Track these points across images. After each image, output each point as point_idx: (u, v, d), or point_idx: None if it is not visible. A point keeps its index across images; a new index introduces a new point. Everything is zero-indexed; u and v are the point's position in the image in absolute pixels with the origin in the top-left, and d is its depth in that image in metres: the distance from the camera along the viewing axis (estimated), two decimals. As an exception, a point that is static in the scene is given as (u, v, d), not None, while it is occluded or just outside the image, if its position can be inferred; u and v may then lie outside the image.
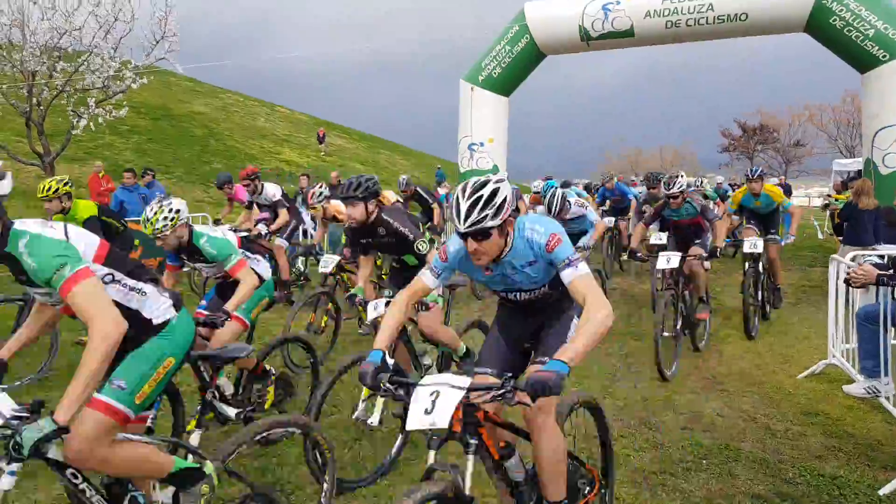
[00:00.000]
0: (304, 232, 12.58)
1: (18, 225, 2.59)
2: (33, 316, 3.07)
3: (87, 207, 6.76)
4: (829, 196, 19.19)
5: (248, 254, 5.03)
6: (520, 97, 16.03)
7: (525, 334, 3.27)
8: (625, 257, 11.82)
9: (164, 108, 32.33)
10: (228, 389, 4.47)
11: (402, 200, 10.75)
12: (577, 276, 2.71)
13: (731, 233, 11.95)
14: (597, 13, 13.57)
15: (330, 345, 7.15)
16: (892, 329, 5.04)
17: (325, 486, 3.44)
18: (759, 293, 7.96)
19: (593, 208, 10.32)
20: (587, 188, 18.31)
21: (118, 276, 2.82)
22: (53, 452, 2.45)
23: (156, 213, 4.41)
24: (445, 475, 2.35)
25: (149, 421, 3.31)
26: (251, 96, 45.70)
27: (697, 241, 7.37)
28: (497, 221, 2.61)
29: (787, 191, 17.41)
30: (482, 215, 2.58)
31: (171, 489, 2.98)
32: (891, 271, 4.35)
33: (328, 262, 7.29)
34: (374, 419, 4.04)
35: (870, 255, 5.97)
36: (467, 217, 2.58)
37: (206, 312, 4.69)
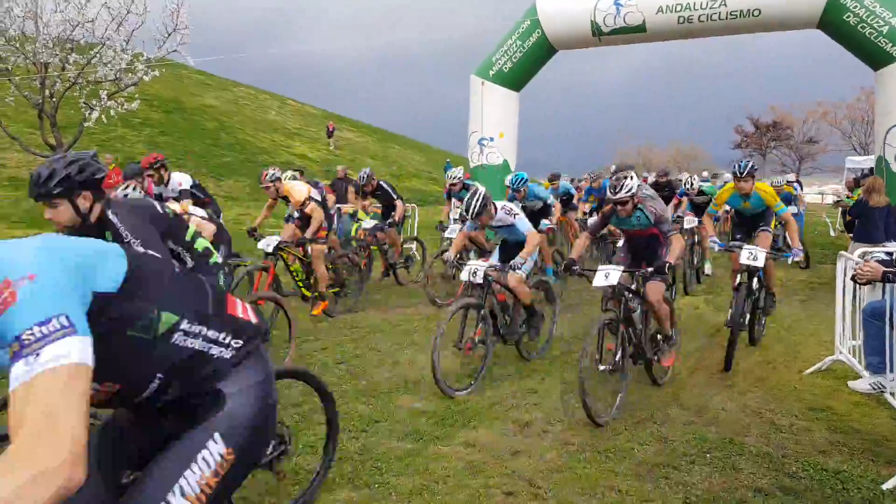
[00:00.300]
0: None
1: None
2: None
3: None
4: (839, 198, 18.99)
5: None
6: (531, 92, 16.03)
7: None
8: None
9: (176, 100, 32.52)
10: None
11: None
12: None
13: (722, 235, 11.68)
14: (608, 8, 13.53)
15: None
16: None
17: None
18: (750, 316, 6.76)
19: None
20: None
21: None
22: None
23: None
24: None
25: None
26: (262, 89, 45.88)
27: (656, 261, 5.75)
28: None
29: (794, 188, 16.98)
30: None
31: None
32: (896, 268, 4.34)
33: (269, 241, 7.44)
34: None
35: (877, 252, 5.95)
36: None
37: None
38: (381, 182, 10.63)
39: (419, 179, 36.67)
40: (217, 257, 4.85)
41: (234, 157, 27.91)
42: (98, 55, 16.27)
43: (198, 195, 8.31)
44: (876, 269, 4.28)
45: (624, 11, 13.40)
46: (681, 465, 4.17)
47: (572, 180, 19.25)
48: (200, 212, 7.07)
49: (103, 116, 16.72)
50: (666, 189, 12.52)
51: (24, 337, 1.37)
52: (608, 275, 5.19)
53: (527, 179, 9.68)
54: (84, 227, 3.58)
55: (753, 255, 6.28)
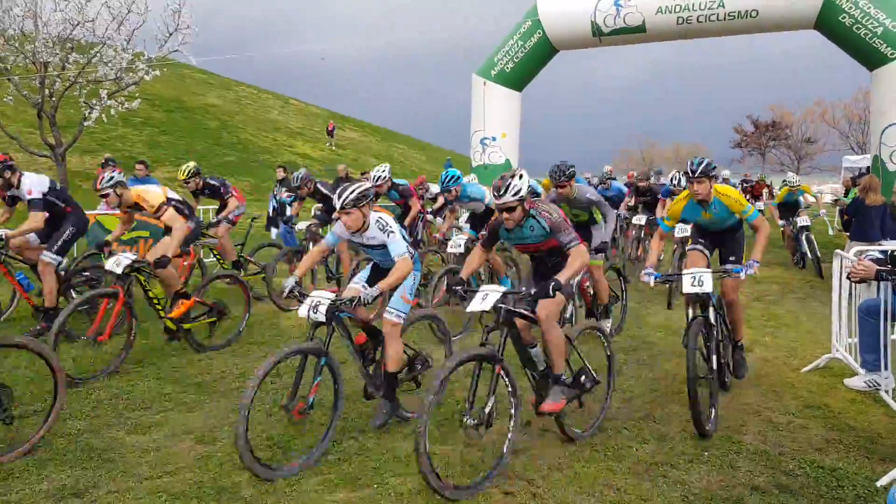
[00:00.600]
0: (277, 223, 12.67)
1: None
2: None
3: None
4: (837, 197, 18.99)
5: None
6: (533, 91, 16.08)
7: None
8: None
9: (178, 100, 32.52)
10: None
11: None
12: None
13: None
14: (609, 9, 13.62)
15: (120, 356, 6.00)
16: (894, 323, 5.07)
17: None
18: (714, 358, 4.97)
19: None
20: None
21: None
22: None
23: None
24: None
25: None
26: (265, 89, 45.87)
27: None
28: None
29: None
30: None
31: None
32: (889, 266, 4.38)
33: (120, 261, 6.00)
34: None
35: (871, 251, 5.99)
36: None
37: None
38: (318, 183, 9.48)
39: (420, 178, 36.62)
40: None
41: (236, 157, 27.95)
42: (98, 54, 16.27)
43: (57, 204, 6.97)
44: (869, 268, 4.31)
45: (624, 12, 13.48)
46: (679, 464, 4.21)
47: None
48: None
49: (103, 116, 16.72)
50: (647, 195, 11.68)
51: None
52: (486, 296, 4.08)
53: (459, 177, 8.33)
54: None
55: (697, 279, 4.97)
